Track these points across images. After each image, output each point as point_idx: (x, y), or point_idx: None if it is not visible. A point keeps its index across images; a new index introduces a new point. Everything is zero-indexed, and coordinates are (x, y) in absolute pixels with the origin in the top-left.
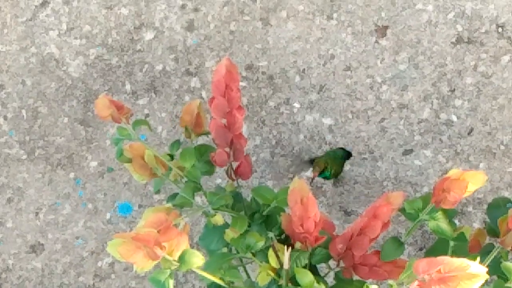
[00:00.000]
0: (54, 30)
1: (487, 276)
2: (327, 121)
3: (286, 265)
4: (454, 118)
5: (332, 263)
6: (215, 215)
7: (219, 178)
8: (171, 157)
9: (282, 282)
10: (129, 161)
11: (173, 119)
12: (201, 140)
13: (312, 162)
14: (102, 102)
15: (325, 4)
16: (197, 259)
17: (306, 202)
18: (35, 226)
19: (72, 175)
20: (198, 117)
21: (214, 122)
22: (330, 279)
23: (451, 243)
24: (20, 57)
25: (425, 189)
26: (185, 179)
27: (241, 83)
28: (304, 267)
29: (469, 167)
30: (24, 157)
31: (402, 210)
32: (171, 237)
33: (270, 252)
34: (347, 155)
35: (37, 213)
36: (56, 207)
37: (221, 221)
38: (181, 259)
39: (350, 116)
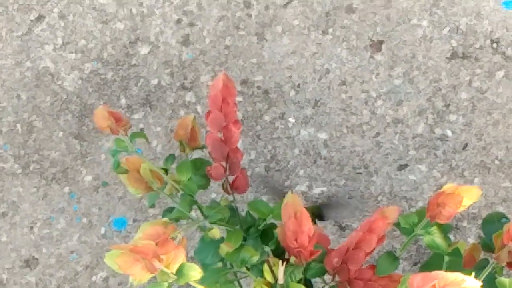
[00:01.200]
0: (50, 44)
1: None
2: (322, 135)
3: (281, 280)
4: (449, 133)
5: (327, 277)
6: (212, 229)
7: (214, 193)
8: (166, 171)
9: None
10: (126, 172)
11: (168, 133)
12: (196, 154)
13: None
14: (101, 113)
15: (320, 19)
16: (195, 273)
17: (300, 217)
18: (29, 241)
19: (66, 189)
20: (192, 131)
21: (210, 136)
22: None
23: (446, 258)
24: (15, 71)
25: (420, 204)
26: (181, 193)
27: (236, 98)
28: (299, 281)
29: (463, 182)
30: (19, 171)
31: (397, 224)
32: (168, 250)
33: (265, 267)
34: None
35: (31, 228)
36: (51, 222)
37: (218, 234)
38: (179, 272)
39: (345, 130)
